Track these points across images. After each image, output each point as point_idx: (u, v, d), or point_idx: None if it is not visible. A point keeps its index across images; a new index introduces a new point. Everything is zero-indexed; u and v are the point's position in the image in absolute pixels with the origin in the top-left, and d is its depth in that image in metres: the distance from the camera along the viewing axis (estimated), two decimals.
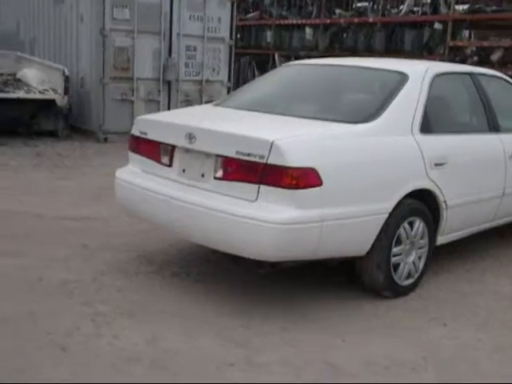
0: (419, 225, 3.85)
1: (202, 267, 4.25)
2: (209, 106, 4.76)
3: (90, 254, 4.40)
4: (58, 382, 2.70)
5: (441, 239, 4.12)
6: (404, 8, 22.06)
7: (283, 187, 3.22)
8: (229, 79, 10.90)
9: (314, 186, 3.26)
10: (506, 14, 20.16)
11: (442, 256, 4.46)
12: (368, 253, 3.61)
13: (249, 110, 4.19)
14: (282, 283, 3.99)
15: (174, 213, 3.70)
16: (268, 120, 3.93)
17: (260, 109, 4.15)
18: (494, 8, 19.42)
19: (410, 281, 3.91)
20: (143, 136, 4.05)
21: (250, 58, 15.34)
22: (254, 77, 13.75)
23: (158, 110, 9.51)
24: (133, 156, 4.20)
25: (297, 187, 3.21)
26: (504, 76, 5.00)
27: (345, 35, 22.49)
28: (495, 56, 19.14)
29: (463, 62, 19.22)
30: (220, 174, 3.50)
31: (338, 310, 3.64)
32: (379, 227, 3.59)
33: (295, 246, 3.33)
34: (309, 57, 23.03)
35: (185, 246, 4.58)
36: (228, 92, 10.63)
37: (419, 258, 3.94)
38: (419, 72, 4.12)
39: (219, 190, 3.49)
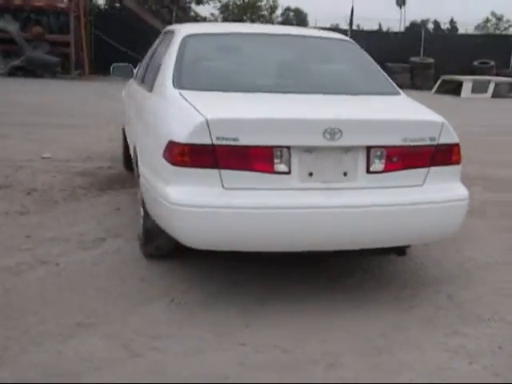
0: None
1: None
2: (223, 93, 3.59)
3: None
4: None
5: None
6: None
7: (453, 164, 3.39)
8: None
9: None
10: None
11: None
12: None
13: (274, 91, 3.69)
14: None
15: (332, 224, 3.16)
16: (340, 100, 3.65)
17: (282, 89, 3.74)
18: None
19: None
20: (229, 143, 3.06)
21: None
22: None
23: None
24: (197, 172, 3.06)
25: (459, 162, 3.46)
26: None
27: None
28: None
29: None
30: (379, 166, 3.21)
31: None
32: None
33: None
34: None
35: None
36: None
37: None
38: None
39: (376, 184, 3.23)
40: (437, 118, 3.31)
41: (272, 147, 3.04)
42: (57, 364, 2.67)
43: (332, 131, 3.03)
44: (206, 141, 2.96)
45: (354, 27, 26.84)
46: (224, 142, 2.98)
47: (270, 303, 3.33)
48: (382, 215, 3.14)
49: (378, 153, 3.16)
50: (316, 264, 3.82)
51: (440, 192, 3.25)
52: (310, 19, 36.46)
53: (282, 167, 3.07)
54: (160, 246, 3.76)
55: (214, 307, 3.26)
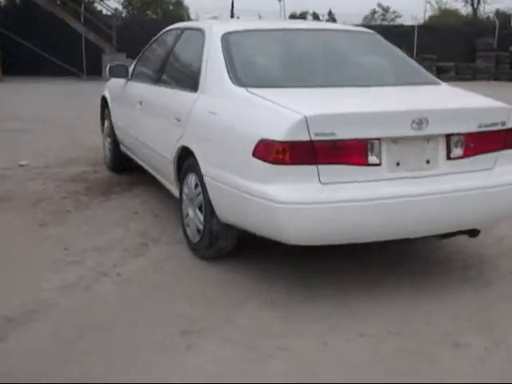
0: None
1: None
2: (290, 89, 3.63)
3: None
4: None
5: None
6: None
7: None
8: None
9: None
10: None
11: None
12: None
13: (337, 86, 3.76)
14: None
15: (425, 210, 3.25)
16: (403, 91, 3.78)
17: (343, 83, 3.80)
18: None
19: None
20: (326, 138, 3.08)
21: None
22: None
23: None
24: (296, 169, 3.04)
25: None
26: None
27: None
28: None
29: None
30: (459, 152, 3.32)
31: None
32: None
33: None
34: None
35: None
36: None
37: None
38: None
39: (455, 169, 3.34)
40: (503, 104, 3.48)
41: (366, 140, 3.10)
42: (198, 373, 2.59)
43: (420, 121, 3.13)
44: (305, 137, 2.97)
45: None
46: (322, 138, 3.00)
47: (351, 293, 3.39)
48: (464, 199, 3.28)
49: (457, 140, 3.29)
50: (363, 252, 3.89)
51: (509, 174, 3.43)
52: (191, 12, 36.30)
53: (373, 159, 3.13)
54: (222, 248, 3.72)
55: (305, 302, 3.28)
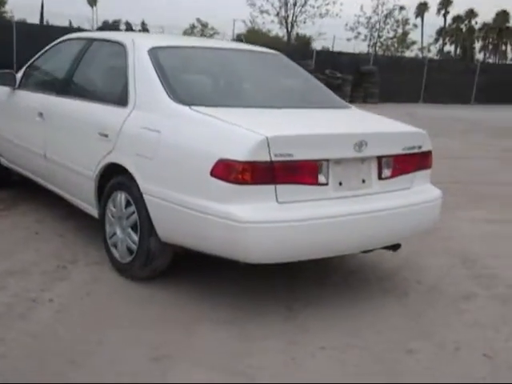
0: None
1: None
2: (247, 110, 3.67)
3: None
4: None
5: None
6: None
7: (428, 168, 3.96)
8: None
9: None
10: None
11: None
12: None
13: (274, 107, 3.86)
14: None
15: (370, 228, 3.48)
16: (334, 114, 4.00)
17: (279, 105, 3.93)
18: None
19: None
20: (284, 159, 3.21)
21: None
22: None
23: None
24: (255, 189, 3.10)
25: (431, 166, 3.99)
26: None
27: None
28: None
29: None
30: (387, 173, 3.61)
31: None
32: None
33: None
34: None
35: None
36: None
37: None
38: None
39: (385, 188, 3.61)
40: (420, 129, 3.86)
41: (317, 161, 3.27)
42: None
43: (360, 143, 3.38)
44: (266, 158, 3.06)
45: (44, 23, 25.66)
46: (281, 159, 3.11)
47: (296, 309, 3.52)
48: (393, 217, 3.58)
49: (386, 161, 3.59)
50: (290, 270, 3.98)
51: (423, 193, 3.82)
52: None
53: (322, 179, 3.31)
54: (157, 267, 3.67)
55: (253, 320, 3.33)
